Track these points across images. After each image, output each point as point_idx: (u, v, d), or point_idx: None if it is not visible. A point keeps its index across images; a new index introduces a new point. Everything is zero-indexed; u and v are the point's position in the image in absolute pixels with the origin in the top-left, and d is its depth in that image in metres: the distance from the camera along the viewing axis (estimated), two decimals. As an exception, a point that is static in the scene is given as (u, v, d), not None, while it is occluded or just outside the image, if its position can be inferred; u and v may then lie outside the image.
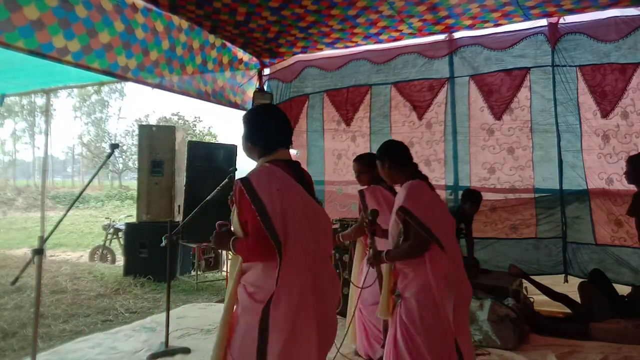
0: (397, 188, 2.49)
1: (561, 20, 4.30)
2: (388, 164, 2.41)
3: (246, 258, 1.78)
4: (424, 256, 2.15)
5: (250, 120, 1.91)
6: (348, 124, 5.40)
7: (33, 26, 2.85)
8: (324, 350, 1.81)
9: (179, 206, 6.29)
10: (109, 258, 7.90)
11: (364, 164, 3.29)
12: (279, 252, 1.67)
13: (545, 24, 4.35)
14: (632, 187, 3.78)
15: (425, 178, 2.38)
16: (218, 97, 4.97)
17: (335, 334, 1.89)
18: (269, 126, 1.88)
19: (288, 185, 1.78)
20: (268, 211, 1.69)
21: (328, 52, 5.33)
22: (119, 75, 3.63)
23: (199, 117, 35.50)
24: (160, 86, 4.08)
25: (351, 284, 3.23)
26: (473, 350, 2.41)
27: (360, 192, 3.17)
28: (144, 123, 26.85)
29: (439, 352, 2.09)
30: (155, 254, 5.64)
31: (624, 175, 3.76)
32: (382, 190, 3.13)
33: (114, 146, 2.83)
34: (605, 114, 4.19)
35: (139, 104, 77.92)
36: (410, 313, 2.16)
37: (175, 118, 27.64)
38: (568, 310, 4.02)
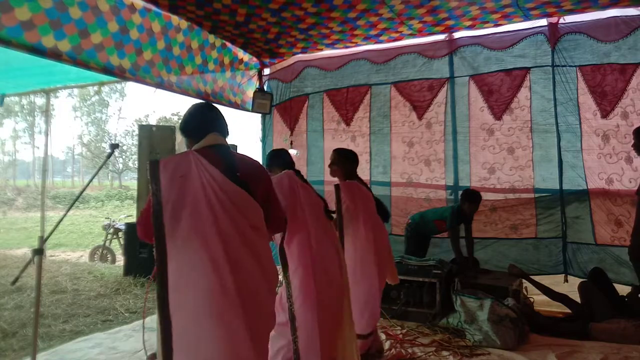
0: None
1: (561, 20, 4.30)
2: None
3: (138, 235, 1.86)
4: None
5: (183, 117, 2.06)
6: (348, 124, 5.40)
7: (23, 26, 2.83)
8: (257, 336, 1.76)
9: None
10: (109, 258, 7.90)
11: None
12: (157, 239, 1.70)
13: (545, 24, 4.36)
14: (632, 187, 3.78)
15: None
16: (218, 97, 4.97)
17: (270, 321, 1.87)
18: (192, 117, 2.03)
19: (200, 170, 1.79)
20: (162, 197, 1.73)
21: (328, 52, 5.33)
22: (118, 74, 3.62)
23: (199, 117, 35.39)
24: (160, 86, 4.07)
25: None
26: None
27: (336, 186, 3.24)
28: (143, 123, 26.91)
29: None
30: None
31: (632, 148, 3.70)
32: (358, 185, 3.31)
33: (114, 146, 2.83)
34: (605, 114, 4.19)
35: (139, 104, 77.97)
36: None
37: (175, 118, 27.66)
38: (568, 310, 4.01)
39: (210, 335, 1.66)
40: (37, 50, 2.94)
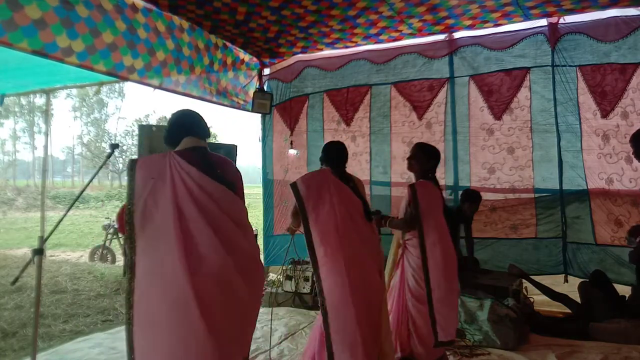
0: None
1: (561, 20, 4.30)
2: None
3: (118, 230, 1.91)
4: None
5: (167, 124, 2.14)
6: (348, 124, 5.40)
7: (36, 25, 2.83)
8: (221, 334, 1.74)
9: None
10: (109, 258, 7.90)
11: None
12: (127, 235, 1.77)
13: (545, 24, 4.35)
14: (632, 187, 3.78)
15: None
16: (221, 98, 4.97)
17: (247, 322, 1.88)
18: (174, 122, 2.09)
19: (175, 171, 1.82)
20: (134, 195, 1.78)
21: (328, 52, 5.32)
22: (122, 76, 3.61)
23: (199, 117, 35.35)
24: (162, 87, 4.07)
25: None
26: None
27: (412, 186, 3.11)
28: (143, 123, 26.88)
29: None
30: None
31: (632, 155, 3.65)
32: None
33: (114, 146, 2.82)
34: (605, 114, 4.19)
35: (139, 104, 77.98)
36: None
37: (175, 118, 27.61)
38: (568, 310, 4.02)
39: (167, 335, 1.71)
40: (46, 53, 2.93)
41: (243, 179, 2.11)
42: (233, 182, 1.97)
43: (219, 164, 2.00)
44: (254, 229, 2.17)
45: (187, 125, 2.07)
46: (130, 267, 1.76)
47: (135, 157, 1.92)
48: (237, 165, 2.23)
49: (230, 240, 1.82)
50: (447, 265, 2.98)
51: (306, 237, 2.47)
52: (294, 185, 2.56)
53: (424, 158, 3.15)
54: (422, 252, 2.95)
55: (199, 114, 2.14)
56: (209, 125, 2.17)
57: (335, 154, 2.77)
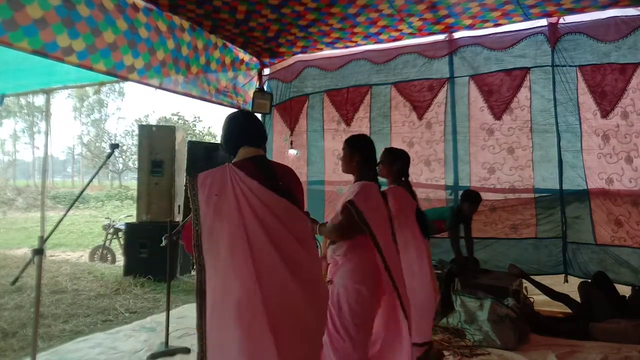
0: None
1: (561, 20, 4.30)
2: (357, 158, 2.50)
3: (185, 249, 1.81)
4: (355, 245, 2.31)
5: (222, 130, 1.99)
6: (348, 124, 5.40)
7: (37, 25, 2.83)
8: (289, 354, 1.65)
9: (179, 206, 6.28)
10: (109, 258, 7.90)
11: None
12: (197, 256, 1.69)
13: (545, 24, 4.36)
14: (632, 187, 3.78)
15: (377, 182, 2.51)
16: (220, 98, 4.97)
17: (313, 342, 1.77)
18: (230, 131, 1.95)
19: (237, 186, 1.73)
20: (200, 215, 1.70)
21: (328, 52, 5.33)
22: (121, 75, 3.60)
23: (199, 117, 35.65)
24: (162, 87, 4.07)
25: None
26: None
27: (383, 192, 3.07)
28: (143, 123, 26.90)
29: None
30: (155, 254, 5.65)
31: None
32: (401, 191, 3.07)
33: (114, 146, 2.83)
34: (605, 114, 4.19)
35: (139, 104, 78.00)
36: (336, 298, 2.28)
37: (175, 118, 27.68)
38: (568, 310, 4.02)
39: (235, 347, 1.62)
40: (47, 53, 2.93)
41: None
42: (295, 193, 1.85)
43: (281, 174, 1.87)
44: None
45: (243, 133, 1.92)
46: (199, 293, 1.67)
47: (197, 172, 1.78)
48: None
49: (293, 260, 1.71)
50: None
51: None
52: (352, 203, 2.29)
53: (388, 161, 3.11)
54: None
55: (253, 116, 2.02)
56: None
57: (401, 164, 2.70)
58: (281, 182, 1.81)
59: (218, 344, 1.64)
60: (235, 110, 2.07)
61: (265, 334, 1.59)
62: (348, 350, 2.20)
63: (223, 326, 1.63)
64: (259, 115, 5.83)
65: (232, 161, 1.87)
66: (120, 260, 7.24)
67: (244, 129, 1.93)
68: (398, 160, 3.12)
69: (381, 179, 2.85)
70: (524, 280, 4.23)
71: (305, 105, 5.64)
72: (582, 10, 4.06)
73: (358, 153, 2.50)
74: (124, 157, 31.08)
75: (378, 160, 2.75)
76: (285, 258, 1.69)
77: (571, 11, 4.09)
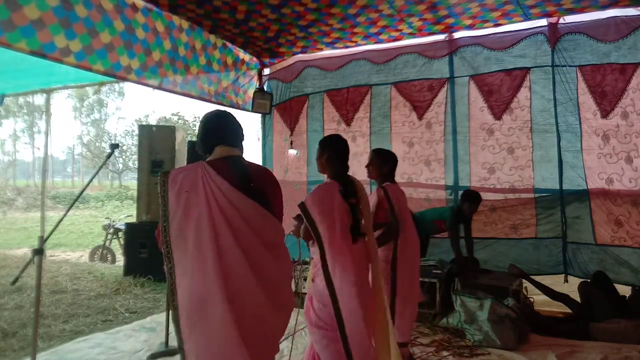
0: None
1: (561, 20, 4.31)
2: (326, 155, 2.48)
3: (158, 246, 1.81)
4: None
5: (198, 128, 1.97)
6: (348, 124, 5.40)
7: (34, 26, 2.83)
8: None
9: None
10: (109, 258, 7.90)
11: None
12: (165, 253, 1.71)
13: (545, 24, 4.36)
14: (632, 187, 3.77)
15: (344, 181, 2.45)
16: (220, 98, 4.97)
17: (272, 347, 1.80)
18: (206, 129, 1.93)
19: (207, 184, 1.72)
20: (169, 212, 1.70)
21: (328, 52, 5.33)
22: (120, 76, 3.60)
23: (199, 117, 35.46)
24: (161, 87, 4.07)
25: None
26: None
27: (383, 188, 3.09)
28: (143, 123, 26.91)
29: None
30: (155, 254, 5.62)
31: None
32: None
33: (114, 146, 2.84)
34: (605, 114, 4.19)
35: (139, 104, 78.02)
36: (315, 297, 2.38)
37: (175, 118, 27.66)
38: (568, 310, 4.02)
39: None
40: (44, 54, 2.93)
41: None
42: (269, 196, 1.82)
43: (256, 175, 1.84)
44: None
45: (219, 132, 1.90)
46: (171, 291, 1.69)
47: (166, 169, 1.84)
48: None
49: (259, 264, 1.71)
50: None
51: (320, 253, 2.32)
52: (302, 205, 2.34)
53: (379, 163, 3.16)
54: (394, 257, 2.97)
55: (231, 116, 1.96)
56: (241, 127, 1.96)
57: (343, 153, 2.52)
58: (254, 183, 1.79)
59: (194, 344, 1.72)
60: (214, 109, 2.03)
61: (230, 334, 1.63)
62: (335, 338, 2.26)
63: (192, 323, 1.69)
64: (258, 115, 5.84)
65: (207, 159, 1.85)
66: (120, 260, 7.24)
67: (221, 129, 1.92)
68: (389, 162, 3.20)
69: (371, 179, 2.93)
70: (524, 280, 4.23)
71: (305, 105, 5.64)
72: (582, 10, 4.06)
73: (326, 151, 2.50)
74: (124, 157, 31.08)
75: (368, 159, 2.89)
76: (252, 261, 1.69)
77: (571, 11, 4.09)
